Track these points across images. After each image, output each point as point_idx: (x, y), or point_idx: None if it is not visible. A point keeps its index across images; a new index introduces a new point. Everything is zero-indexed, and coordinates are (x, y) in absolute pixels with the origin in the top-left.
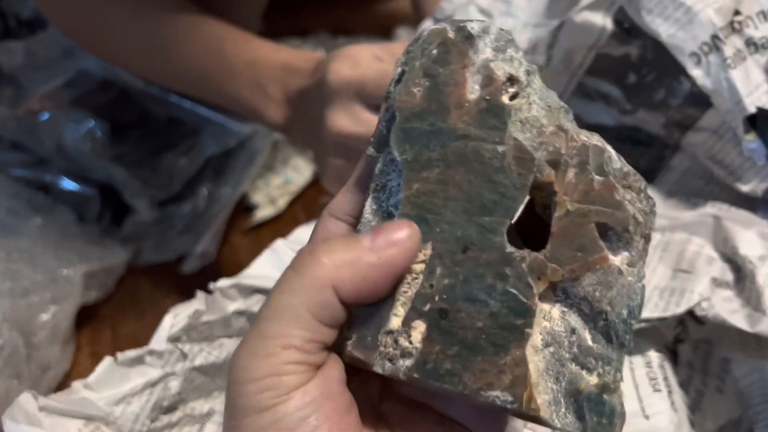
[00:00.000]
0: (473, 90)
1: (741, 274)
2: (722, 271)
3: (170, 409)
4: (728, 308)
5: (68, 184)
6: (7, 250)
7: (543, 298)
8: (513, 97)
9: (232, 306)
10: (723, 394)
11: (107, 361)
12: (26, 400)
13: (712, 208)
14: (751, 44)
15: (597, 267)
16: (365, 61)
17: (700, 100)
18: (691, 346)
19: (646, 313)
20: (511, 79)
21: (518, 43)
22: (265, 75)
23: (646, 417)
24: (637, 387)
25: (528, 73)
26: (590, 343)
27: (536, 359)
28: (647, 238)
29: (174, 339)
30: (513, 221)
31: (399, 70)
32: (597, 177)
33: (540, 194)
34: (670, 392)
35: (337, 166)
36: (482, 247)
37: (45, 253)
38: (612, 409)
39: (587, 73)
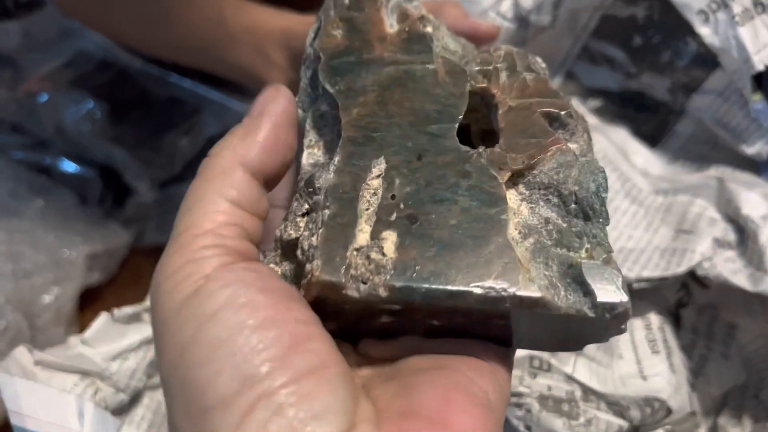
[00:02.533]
0: (392, 26)
1: (744, 234)
2: (724, 231)
3: None
4: (730, 268)
5: (69, 166)
6: (9, 231)
7: (511, 196)
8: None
9: None
10: (728, 359)
11: (103, 317)
12: (21, 353)
13: (715, 171)
14: (759, 4)
15: (554, 149)
16: None
17: (707, 60)
18: (696, 311)
19: (646, 273)
20: (424, 18)
21: (524, 1)
22: (266, 40)
23: (644, 378)
24: (636, 349)
25: (436, 19)
26: (568, 226)
27: (520, 250)
28: (589, 135)
29: None
30: (458, 124)
31: (315, 26)
32: (528, 75)
33: (476, 116)
34: (669, 354)
35: None
36: (437, 151)
37: (47, 235)
38: (613, 274)
39: (592, 36)
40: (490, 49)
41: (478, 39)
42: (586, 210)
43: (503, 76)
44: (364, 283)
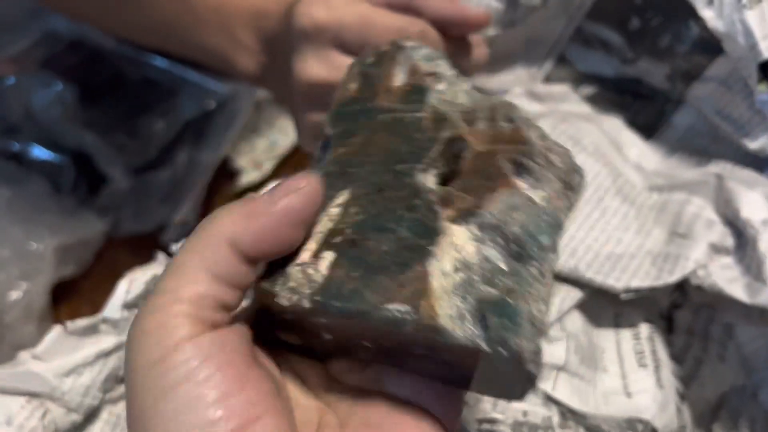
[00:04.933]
0: (400, 80)
1: (742, 239)
2: (722, 235)
3: None
4: (726, 276)
5: (40, 153)
6: None
7: (457, 232)
8: (437, 89)
9: None
10: (725, 361)
11: (56, 329)
12: None
13: (715, 167)
14: None
15: (503, 190)
16: (340, 3)
17: (710, 46)
18: (692, 311)
19: (635, 282)
20: (436, 75)
21: None
22: (233, 20)
23: (628, 395)
24: (622, 361)
25: (456, 76)
26: (502, 266)
27: (444, 281)
28: (568, 186)
29: (131, 306)
30: (424, 165)
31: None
32: (505, 124)
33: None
34: (657, 367)
35: (312, 121)
36: (396, 187)
37: (13, 227)
38: (516, 310)
39: (587, 17)
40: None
41: (467, 26)
42: (521, 253)
43: (481, 124)
44: (297, 294)
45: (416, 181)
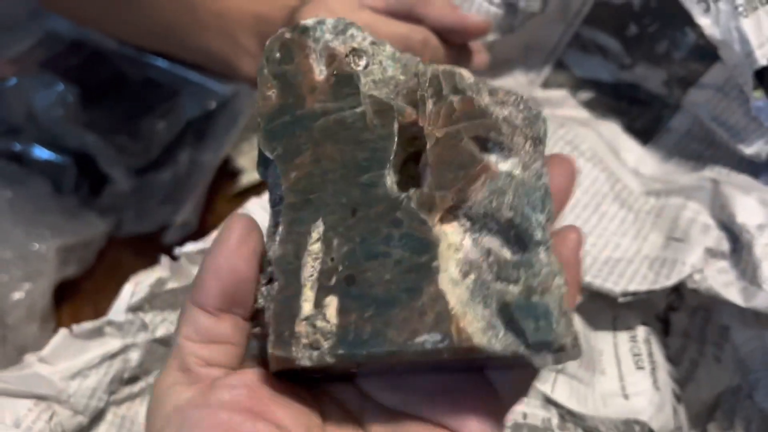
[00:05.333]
0: (321, 72)
1: (738, 243)
2: (718, 240)
3: (132, 380)
4: (722, 280)
5: (41, 154)
6: None
7: (449, 231)
8: (363, 67)
9: None
10: (720, 362)
11: (62, 333)
12: None
13: (711, 172)
14: None
15: (482, 177)
16: (343, 10)
17: (706, 53)
18: (688, 313)
19: (633, 286)
20: (355, 51)
21: None
22: (236, 25)
23: (626, 396)
24: (620, 363)
25: (374, 43)
26: (508, 256)
27: (458, 291)
28: (537, 141)
29: (135, 309)
30: (389, 168)
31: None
32: (454, 97)
33: (417, 143)
34: (653, 369)
35: None
36: (369, 203)
37: (15, 229)
38: (545, 308)
39: (585, 23)
40: (418, 73)
41: (468, 33)
42: (522, 237)
43: (429, 104)
44: (315, 349)
45: (389, 191)
